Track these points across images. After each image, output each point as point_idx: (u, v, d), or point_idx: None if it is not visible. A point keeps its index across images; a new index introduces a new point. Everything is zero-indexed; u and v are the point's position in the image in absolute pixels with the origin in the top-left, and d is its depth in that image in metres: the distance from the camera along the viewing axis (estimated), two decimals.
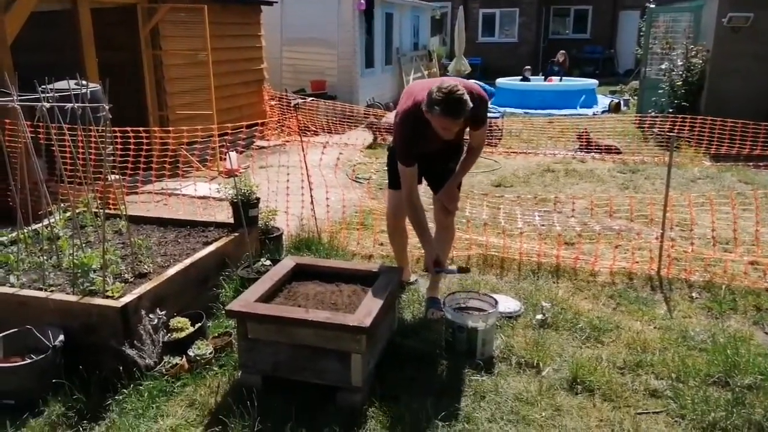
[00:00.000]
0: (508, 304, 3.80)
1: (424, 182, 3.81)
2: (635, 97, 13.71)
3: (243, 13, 9.66)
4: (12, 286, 3.25)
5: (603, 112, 13.58)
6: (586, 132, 9.29)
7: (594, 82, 15.57)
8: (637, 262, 4.48)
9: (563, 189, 6.96)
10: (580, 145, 9.21)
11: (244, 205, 4.10)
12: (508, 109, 13.12)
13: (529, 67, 16.40)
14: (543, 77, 16.14)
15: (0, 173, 5.22)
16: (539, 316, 3.65)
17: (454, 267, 3.92)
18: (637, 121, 10.36)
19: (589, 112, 13.49)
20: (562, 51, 17.49)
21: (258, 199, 4.30)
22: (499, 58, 22.31)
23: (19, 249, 3.63)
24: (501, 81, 15.66)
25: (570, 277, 4.35)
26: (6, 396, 2.85)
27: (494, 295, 3.51)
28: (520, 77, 16.08)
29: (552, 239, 4.96)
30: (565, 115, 12.52)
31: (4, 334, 3.02)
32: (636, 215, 5.22)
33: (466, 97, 3.02)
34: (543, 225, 5.10)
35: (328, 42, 13.48)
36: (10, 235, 3.86)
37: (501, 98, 14.50)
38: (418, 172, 3.43)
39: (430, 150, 3.45)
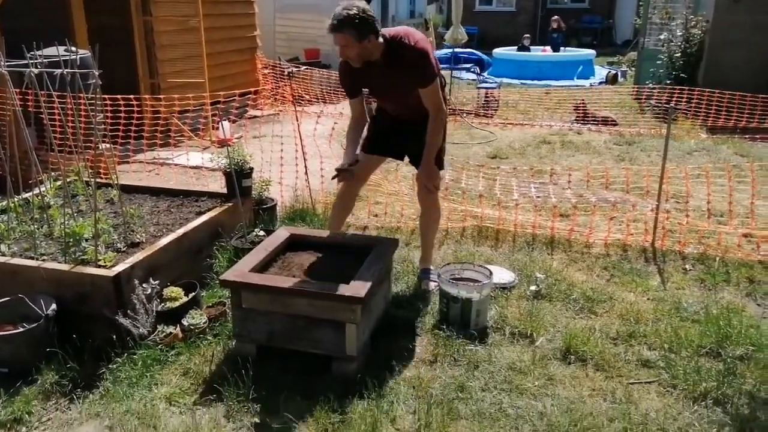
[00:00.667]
0: (502, 275, 3.80)
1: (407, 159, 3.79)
2: (633, 69, 13.60)
3: None
4: (3, 254, 3.22)
5: (600, 83, 13.48)
6: (583, 103, 9.22)
7: (592, 52, 15.41)
8: (631, 234, 4.48)
9: (559, 161, 6.92)
10: (577, 117, 9.15)
11: (238, 175, 4.06)
12: (505, 80, 13.01)
13: (528, 35, 16.19)
14: (550, 48, 15.91)
15: None
16: (533, 287, 3.65)
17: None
18: (635, 93, 10.28)
19: (587, 83, 13.39)
20: (554, 17, 17.25)
21: (251, 169, 4.26)
22: (496, 27, 22.01)
23: (9, 218, 3.59)
24: (498, 51, 15.48)
25: (564, 249, 4.35)
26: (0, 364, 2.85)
27: (489, 266, 3.51)
28: (518, 46, 15.89)
29: (547, 211, 4.95)
30: (562, 86, 12.41)
31: None
32: (631, 187, 5.21)
33: (348, 14, 3.00)
34: (538, 197, 5.08)
35: (321, 9, 13.16)
36: (0, 204, 3.80)
37: (498, 68, 14.36)
38: (401, 147, 3.49)
39: (381, 91, 3.48)
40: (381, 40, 3.17)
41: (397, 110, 3.55)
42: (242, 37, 9.74)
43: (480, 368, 2.91)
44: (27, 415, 2.60)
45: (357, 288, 2.76)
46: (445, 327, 3.21)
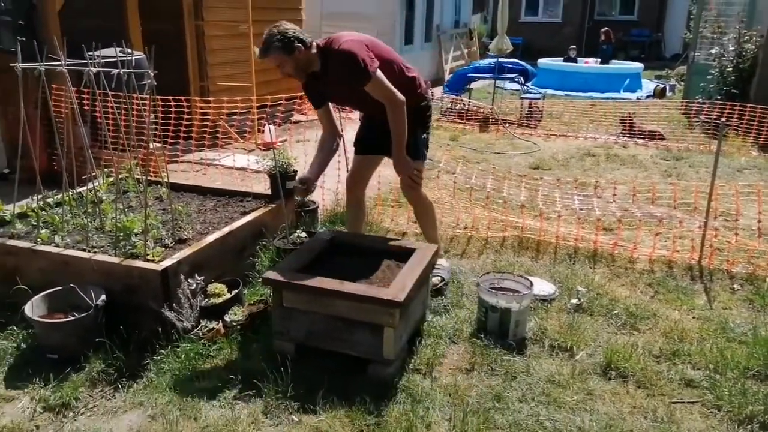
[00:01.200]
0: (542, 286, 3.76)
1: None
2: (682, 83, 13.28)
3: None
4: (57, 245, 3.35)
5: (647, 96, 13.21)
6: (629, 117, 9.06)
7: (639, 65, 15.12)
8: (677, 251, 4.38)
9: (604, 174, 6.81)
10: (623, 130, 8.98)
11: (282, 177, 4.12)
12: (549, 91, 12.88)
13: (574, 46, 15.99)
14: (599, 60, 15.69)
15: (47, 138, 5.37)
16: (574, 301, 3.60)
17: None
18: (683, 108, 10.04)
19: (633, 96, 13.13)
20: (604, 29, 16.99)
21: (295, 171, 4.32)
22: (541, 38, 21.82)
23: (64, 211, 3.73)
24: (543, 61, 15.34)
25: (607, 263, 4.27)
26: (50, 350, 2.96)
27: (529, 277, 3.48)
28: (564, 57, 15.71)
29: (590, 224, 4.87)
30: (608, 98, 12.21)
31: (48, 291, 3.12)
32: (679, 203, 5.08)
33: (269, 36, 3.15)
34: (582, 209, 5.01)
35: (367, 16, 13.36)
36: (56, 197, 3.96)
37: (542, 79, 14.22)
38: (387, 145, 3.42)
39: (337, 98, 3.57)
40: (314, 50, 3.26)
41: (366, 111, 3.63)
42: None
43: (517, 379, 2.88)
44: (74, 401, 2.69)
45: (396, 292, 2.78)
46: (482, 336, 3.19)
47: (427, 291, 3.41)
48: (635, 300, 3.72)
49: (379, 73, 3.19)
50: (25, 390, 2.76)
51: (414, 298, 3.01)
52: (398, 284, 2.86)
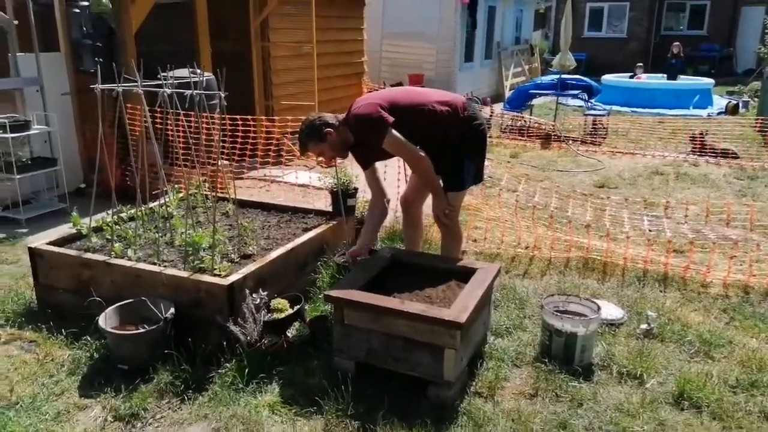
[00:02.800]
0: (610, 310, 3.63)
1: None
2: (756, 99, 12.68)
3: (347, 7, 9.82)
4: (129, 259, 3.49)
5: (719, 113, 12.67)
6: (701, 134, 8.70)
7: (710, 81, 14.54)
8: (754, 275, 4.14)
9: (673, 193, 6.55)
10: (693, 148, 8.64)
11: (343, 195, 4.18)
12: (614, 107, 12.55)
13: (641, 64, 15.57)
14: (667, 75, 15.23)
15: (122, 155, 5.64)
16: (644, 326, 3.46)
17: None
18: (758, 125, 9.56)
19: (704, 113, 12.62)
20: (675, 43, 16.46)
21: (356, 189, 4.36)
22: (605, 54, 21.34)
23: (137, 225, 3.89)
24: (607, 77, 14.99)
25: (679, 287, 4.09)
26: (121, 361, 3.07)
27: (596, 301, 3.36)
28: (630, 74, 15.30)
29: (661, 246, 4.69)
30: (676, 115, 11.79)
31: (120, 303, 3.24)
32: (755, 225, 4.83)
33: (300, 134, 3.45)
34: (651, 230, 4.83)
35: (427, 36, 13.45)
36: (129, 212, 4.14)
37: (607, 95, 13.87)
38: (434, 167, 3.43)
39: (378, 158, 3.52)
40: (341, 126, 3.40)
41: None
42: (351, 63, 10.09)
43: (584, 406, 2.78)
44: (143, 411, 2.77)
45: (457, 312, 2.74)
46: (546, 360, 3.11)
47: (489, 312, 3.35)
48: (709, 326, 3.54)
49: (393, 133, 3.25)
50: (97, 399, 2.87)
51: (475, 319, 2.96)
52: (460, 305, 2.82)
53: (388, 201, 3.70)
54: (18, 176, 5.38)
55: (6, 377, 3.02)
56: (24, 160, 5.72)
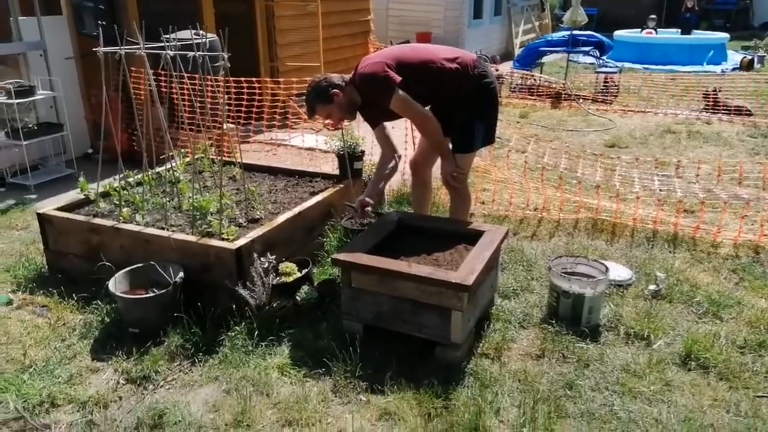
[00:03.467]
0: (618, 271, 3.62)
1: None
2: None
3: None
4: (138, 224, 3.50)
5: (733, 69, 12.39)
6: (714, 91, 8.52)
7: (725, 36, 14.17)
8: (765, 235, 4.10)
9: (685, 152, 6.46)
10: (706, 106, 8.48)
11: (350, 158, 4.15)
12: (627, 64, 12.29)
13: (653, 16, 15.14)
14: (681, 30, 14.83)
15: (128, 119, 5.61)
16: (652, 287, 3.45)
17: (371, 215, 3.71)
18: None
19: (718, 69, 12.35)
20: None
21: (363, 152, 4.33)
22: (617, 8, 20.78)
23: (144, 190, 3.89)
24: (619, 33, 14.64)
25: (688, 248, 4.06)
26: (132, 325, 3.11)
27: (604, 262, 3.35)
28: (642, 28, 14.92)
29: (671, 206, 4.64)
30: (690, 72, 11.53)
31: (130, 268, 3.26)
32: None
33: (307, 96, 3.36)
34: (662, 190, 4.77)
35: None
36: (136, 177, 4.13)
37: (619, 52, 13.56)
38: (443, 129, 3.39)
39: (388, 118, 3.48)
40: (348, 86, 3.33)
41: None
42: (356, 22, 9.90)
43: (590, 367, 2.80)
44: (154, 374, 2.81)
45: (464, 275, 2.74)
46: (553, 322, 3.12)
47: (496, 275, 3.35)
48: (718, 287, 3.53)
49: (400, 92, 3.18)
50: (109, 362, 2.92)
51: (483, 281, 2.96)
52: (467, 267, 2.82)
53: (399, 157, 3.65)
54: (25, 142, 5.37)
55: (19, 341, 3.08)
56: (30, 125, 5.71)
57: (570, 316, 3.10)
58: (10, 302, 3.46)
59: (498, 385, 2.66)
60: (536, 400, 2.54)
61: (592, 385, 2.68)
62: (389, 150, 3.56)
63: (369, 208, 3.62)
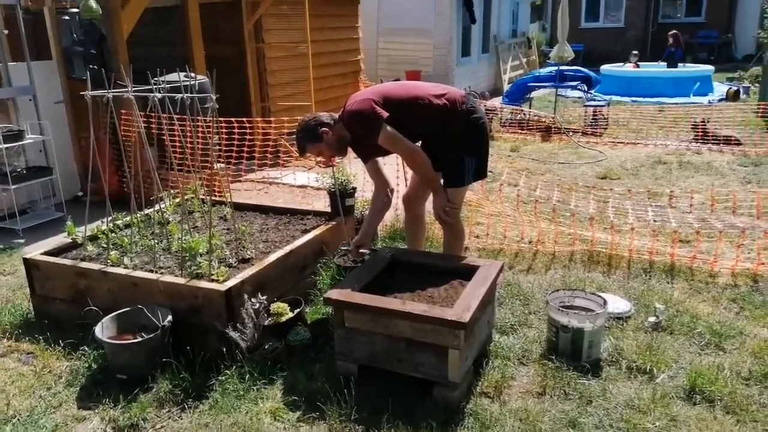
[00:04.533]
0: (617, 304, 3.56)
1: None
2: (756, 85, 12.58)
3: (342, 5, 9.73)
4: (126, 267, 3.43)
5: (720, 100, 12.56)
6: (702, 122, 8.61)
7: (710, 68, 14.43)
8: (763, 263, 4.06)
9: (677, 182, 6.48)
10: (695, 136, 8.55)
11: (341, 195, 4.12)
12: (614, 97, 12.45)
13: (636, 52, 15.42)
14: (666, 64, 15.09)
15: (117, 161, 5.58)
16: (652, 319, 3.39)
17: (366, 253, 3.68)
18: (761, 110, 9.46)
19: (704, 100, 12.52)
20: (672, 31, 16.25)
21: (354, 188, 4.30)
22: (603, 44, 21.19)
23: (132, 232, 3.83)
24: (606, 67, 14.89)
25: (686, 278, 4.02)
26: (119, 371, 3.01)
27: (602, 295, 3.29)
28: (623, 63, 15.17)
29: (666, 236, 4.62)
30: (677, 103, 11.69)
31: (117, 312, 3.18)
32: (762, 212, 4.74)
33: (298, 135, 3.38)
34: (656, 221, 4.75)
35: (424, 31, 13.37)
36: (124, 219, 4.08)
37: (606, 86, 13.76)
38: (434, 164, 3.39)
39: (378, 154, 3.47)
40: (337, 123, 3.34)
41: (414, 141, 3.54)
42: (347, 62, 10.02)
43: (593, 404, 2.71)
44: (142, 422, 2.71)
45: (460, 312, 2.68)
46: (553, 357, 3.04)
47: (493, 310, 3.29)
48: (719, 317, 3.47)
49: (387, 128, 3.19)
50: (96, 410, 2.81)
51: (479, 318, 2.90)
52: (462, 304, 2.76)
53: (392, 191, 3.64)
54: (13, 186, 5.32)
55: (2, 390, 2.97)
56: (19, 170, 5.67)
57: (570, 351, 3.03)
58: None
59: (499, 426, 2.57)
60: None
61: (596, 423, 2.59)
62: (381, 184, 3.54)
63: (364, 249, 3.58)
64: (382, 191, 3.54)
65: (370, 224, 3.63)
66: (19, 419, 2.75)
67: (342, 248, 3.80)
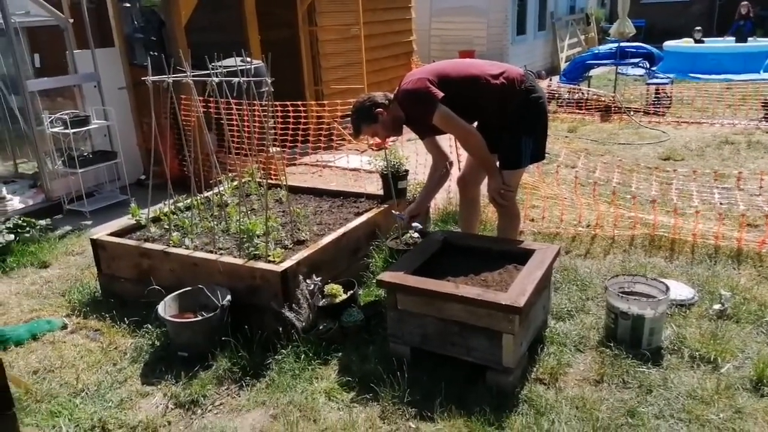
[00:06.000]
0: (679, 290, 3.44)
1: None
2: None
3: None
4: (187, 248, 3.54)
5: None
6: None
7: None
8: None
9: (745, 164, 6.17)
10: (766, 115, 8.10)
11: (394, 177, 4.11)
12: (678, 75, 11.93)
13: (699, 28, 14.67)
14: (735, 38, 14.33)
15: (177, 145, 5.75)
16: (717, 306, 3.25)
17: (419, 226, 3.66)
18: None
19: None
20: (743, 2, 15.37)
21: (407, 171, 4.29)
22: (666, 19, 20.28)
23: (193, 214, 3.94)
24: (669, 44, 14.25)
25: (754, 264, 3.83)
26: (180, 348, 3.12)
27: (664, 281, 3.18)
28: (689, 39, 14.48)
29: (733, 220, 4.41)
30: (746, 80, 11.08)
31: (179, 292, 3.29)
32: None
33: (352, 117, 3.35)
34: (722, 204, 4.54)
35: (477, 10, 13.12)
36: (185, 202, 4.20)
37: (670, 63, 13.18)
38: (490, 146, 3.32)
39: (433, 132, 3.44)
40: (392, 103, 3.31)
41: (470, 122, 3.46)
42: (399, 43, 9.94)
43: (653, 393, 2.63)
44: (203, 398, 2.81)
45: (515, 296, 2.64)
46: (612, 344, 2.96)
47: (549, 295, 3.23)
48: None
49: (442, 108, 3.13)
50: (158, 386, 2.93)
51: (534, 303, 2.85)
52: (517, 288, 2.71)
53: (451, 164, 3.62)
54: (81, 170, 5.56)
55: (72, 365, 3.13)
56: (86, 154, 5.92)
57: (629, 339, 2.95)
58: (65, 326, 3.54)
59: (554, 413, 2.53)
60: (596, 429, 2.41)
61: (656, 413, 2.52)
62: (440, 157, 3.56)
63: (416, 223, 3.61)
64: (441, 164, 3.55)
65: (428, 194, 3.65)
66: (87, 393, 2.89)
67: (400, 219, 3.76)
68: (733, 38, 14.46)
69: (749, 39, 14.25)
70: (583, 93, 9.83)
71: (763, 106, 8.30)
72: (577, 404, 2.58)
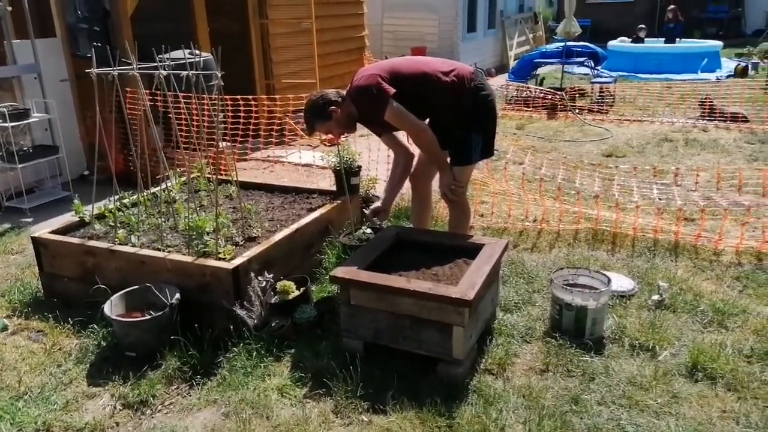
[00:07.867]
0: (620, 282, 3.58)
1: None
2: (766, 61, 12.43)
3: None
4: (133, 245, 3.46)
5: (728, 76, 12.42)
6: (709, 98, 8.54)
7: (718, 44, 14.24)
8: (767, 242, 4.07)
9: (683, 160, 6.45)
10: (702, 113, 8.48)
11: (346, 173, 4.12)
12: (621, 74, 12.33)
13: (643, 26, 15.21)
14: (664, 39, 14.89)
15: (123, 140, 5.59)
16: (655, 297, 3.41)
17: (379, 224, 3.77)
18: None
19: (712, 76, 12.38)
20: (670, 7, 15.98)
21: (359, 167, 4.31)
22: (611, 19, 20.92)
23: (139, 211, 3.85)
24: (613, 43, 14.72)
25: (690, 256, 4.02)
26: (128, 348, 3.06)
27: (606, 273, 3.31)
28: (632, 38, 14.99)
29: (671, 214, 4.61)
30: (684, 80, 11.57)
31: (126, 290, 3.22)
32: None
33: (306, 113, 3.35)
34: (661, 199, 4.75)
35: (429, 6, 13.22)
36: (131, 198, 4.10)
37: (613, 62, 13.61)
38: (441, 142, 3.38)
39: (386, 129, 3.46)
40: (345, 100, 3.32)
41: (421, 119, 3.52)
42: (351, 38, 9.92)
43: (596, 381, 2.75)
44: (152, 398, 2.76)
45: (465, 290, 2.70)
46: (557, 335, 3.07)
47: (497, 288, 3.31)
48: (722, 295, 3.49)
49: (394, 104, 3.17)
50: (106, 387, 2.86)
51: (483, 296, 2.92)
52: (467, 282, 2.78)
53: (411, 156, 3.63)
54: (20, 165, 5.34)
55: (14, 368, 3.02)
56: (25, 149, 5.69)
57: (573, 329, 3.06)
58: (5, 328, 3.41)
59: (502, 402, 2.61)
60: (542, 416, 2.49)
61: (598, 399, 2.63)
62: (400, 151, 3.58)
63: (378, 218, 3.65)
64: (402, 157, 3.57)
65: (392, 190, 3.63)
66: (30, 395, 2.80)
67: (347, 226, 3.81)
68: (663, 39, 15.02)
69: (677, 41, 14.82)
70: (531, 91, 10.05)
71: (699, 105, 8.68)
72: (524, 393, 2.67)
